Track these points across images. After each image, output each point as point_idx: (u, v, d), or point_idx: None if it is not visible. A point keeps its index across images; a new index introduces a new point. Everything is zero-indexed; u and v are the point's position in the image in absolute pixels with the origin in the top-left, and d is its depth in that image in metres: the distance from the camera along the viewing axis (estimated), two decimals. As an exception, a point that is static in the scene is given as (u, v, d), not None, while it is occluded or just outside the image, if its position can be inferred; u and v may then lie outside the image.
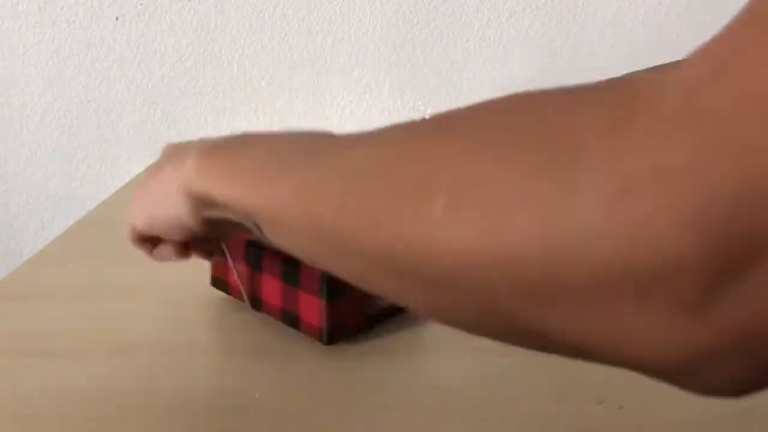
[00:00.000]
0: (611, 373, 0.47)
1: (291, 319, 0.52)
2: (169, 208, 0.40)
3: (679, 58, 0.22)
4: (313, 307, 0.50)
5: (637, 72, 0.23)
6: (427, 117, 0.27)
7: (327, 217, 0.27)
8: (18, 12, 1.04)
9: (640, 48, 1.07)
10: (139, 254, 0.70)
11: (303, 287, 0.50)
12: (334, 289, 0.49)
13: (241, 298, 0.55)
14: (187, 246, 0.45)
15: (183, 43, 1.07)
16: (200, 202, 0.37)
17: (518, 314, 0.21)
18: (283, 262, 0.52)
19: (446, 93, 1.06)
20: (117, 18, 1.05)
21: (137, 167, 1.08)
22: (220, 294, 0.60)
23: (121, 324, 0.55)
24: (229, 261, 0.52)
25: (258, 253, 0.53)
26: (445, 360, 0.49)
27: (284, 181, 0.31)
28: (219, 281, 0.58)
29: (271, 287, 0.53)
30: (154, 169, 0.42)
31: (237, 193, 0.33)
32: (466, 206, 0.22)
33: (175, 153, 0.40)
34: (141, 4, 1.05)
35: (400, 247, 0.24)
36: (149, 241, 0.45)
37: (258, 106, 1.10)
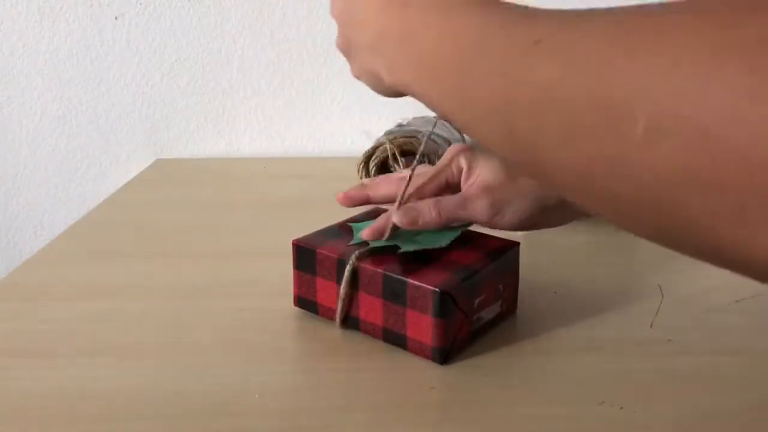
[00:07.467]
0: (611, 373, 0.47)
1: (396, 339, 0.49)
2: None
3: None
4: (424, 326, 0.47)
5: None
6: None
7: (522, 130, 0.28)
8: (18, 12, 1.04)
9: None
10: (139, 254, 0.70)
11: (410, 305, 0.48)
12: (446, 306, 0.47)
13: (331, 318, 0.53)
14: None
15: (183, 43, 1.07)
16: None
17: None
18: (384, 280, 0.49)
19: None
20: (116, 17, 1.05)
21: (137, 167, 1.08)
22: (219, 291, 0.60)
23: (121, 324, 0.55)
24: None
25: (354, 270, 0.50)
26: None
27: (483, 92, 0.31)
28: (305, 301, 0.55)
29: (371, 305, 0.50)
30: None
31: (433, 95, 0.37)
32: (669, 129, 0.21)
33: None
34: (140, 4, 1.05)
35: (599, 167, 0.24)
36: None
37: (258, 106, 1.10)
